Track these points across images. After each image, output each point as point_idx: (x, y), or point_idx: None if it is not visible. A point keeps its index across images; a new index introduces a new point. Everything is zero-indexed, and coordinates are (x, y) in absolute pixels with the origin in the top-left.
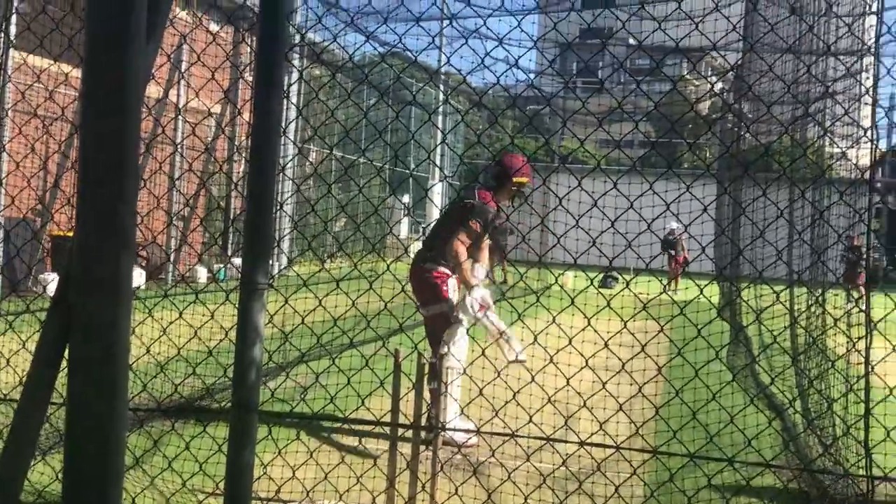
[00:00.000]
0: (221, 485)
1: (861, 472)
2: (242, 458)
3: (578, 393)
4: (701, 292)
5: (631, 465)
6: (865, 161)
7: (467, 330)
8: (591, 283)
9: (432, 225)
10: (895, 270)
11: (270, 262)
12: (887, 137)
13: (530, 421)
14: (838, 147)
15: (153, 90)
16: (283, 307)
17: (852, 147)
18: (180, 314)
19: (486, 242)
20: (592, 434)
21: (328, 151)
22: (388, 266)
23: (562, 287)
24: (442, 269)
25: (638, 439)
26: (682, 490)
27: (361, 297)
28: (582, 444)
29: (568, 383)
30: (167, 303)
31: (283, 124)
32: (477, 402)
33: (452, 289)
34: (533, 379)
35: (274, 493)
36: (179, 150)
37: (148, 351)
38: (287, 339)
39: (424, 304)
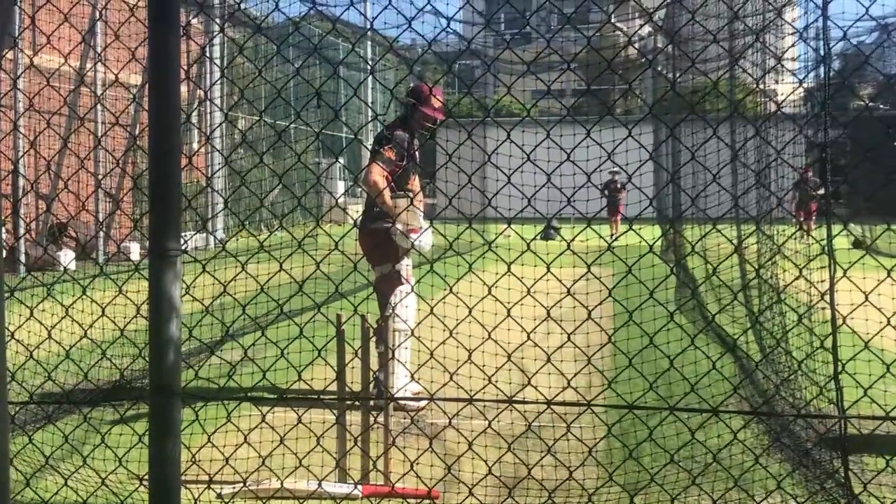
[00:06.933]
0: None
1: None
2: (166, 450)
3: (541, 348)
4: (638, 234)
5: (602, 421)
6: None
7: (412, 288)
8: (533, 237)
9: None
10: (839, 205)
11: (198, 232)
12: (815, 70)
13: (489, 382)
14: (775, 82)
15: (58, 61)
16: (200, 276)
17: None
18: (83, 290)
19: (415, 180)
20: (559, 392)
21: (256, 118)
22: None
23: (501, 235)
24: (386, 225)
25: (606, 395)
26: (662, 447)
27: (297, 265)
28: (549, 403)
29: (529, 338)
30: (101, 283)
31: (207, 88)
32: (428, 364)
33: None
34: (490, 336)
35: (207, 480)
36: (94, 124)
37: (49, 337)
38: (208, 312)
39: (374, 264)
